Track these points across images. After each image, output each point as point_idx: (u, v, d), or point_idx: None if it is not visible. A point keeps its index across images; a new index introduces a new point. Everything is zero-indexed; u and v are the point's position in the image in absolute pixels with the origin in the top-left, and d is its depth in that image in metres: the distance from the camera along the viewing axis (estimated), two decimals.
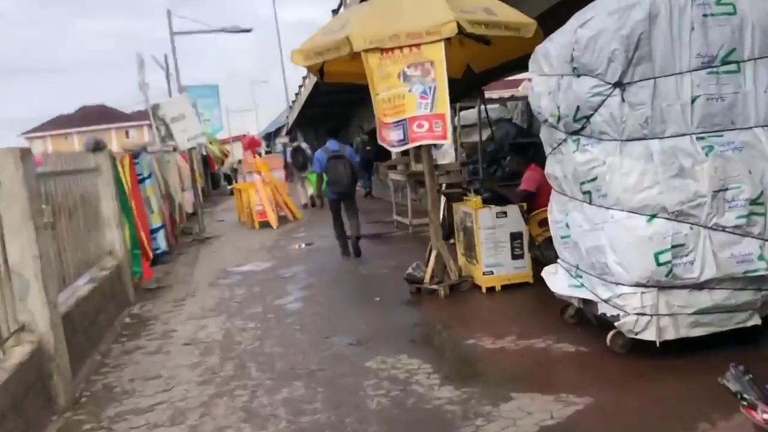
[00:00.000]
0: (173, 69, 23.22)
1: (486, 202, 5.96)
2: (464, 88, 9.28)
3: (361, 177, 14.40)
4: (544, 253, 5.57)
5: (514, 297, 5.60)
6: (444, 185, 8.45)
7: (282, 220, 12.40)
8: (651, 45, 3.55)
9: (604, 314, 3.84)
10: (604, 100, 3.65)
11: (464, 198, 6.36)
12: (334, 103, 28.83)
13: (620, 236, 3.68)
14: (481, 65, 6.88)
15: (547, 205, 4.56)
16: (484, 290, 5.81)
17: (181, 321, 5.97)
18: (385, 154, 12.71)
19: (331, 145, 8.31)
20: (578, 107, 3.76)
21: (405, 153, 9.83)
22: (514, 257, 5.77)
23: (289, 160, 15.88)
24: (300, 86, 31.39)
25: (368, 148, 16.04)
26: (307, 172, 14.86)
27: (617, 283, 3.71)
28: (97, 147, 6.57)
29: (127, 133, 64.27)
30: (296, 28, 60.44)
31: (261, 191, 12.02)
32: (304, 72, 31.50)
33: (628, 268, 3.64)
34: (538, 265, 5.27)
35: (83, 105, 68.24)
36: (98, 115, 65.53)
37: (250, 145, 13.78)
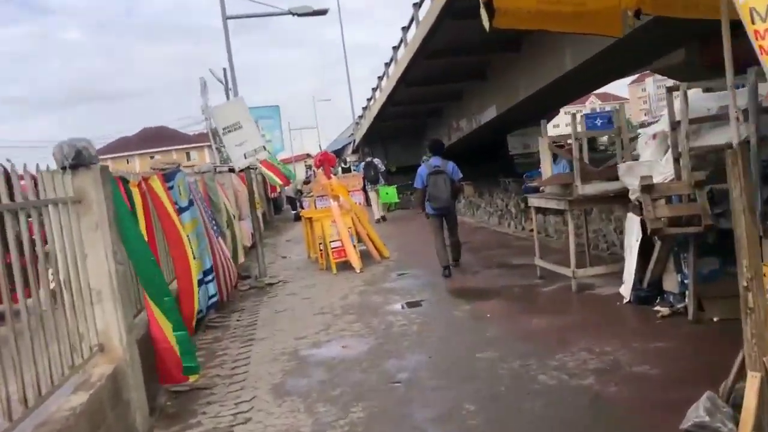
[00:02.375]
0: (231, 83, 21.07)
1: None
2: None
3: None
4: None
5: None
6: (662, 220, 5.11)
7: (363, 256, 9.36)
8: None
9: None
10: None
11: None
12: (407, 115, 25.87)
13: None
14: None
15: None
16: None
17: None
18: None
19: (434, 160, 8.35)
20: None
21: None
22: None
23: (361, 173, 16.50)
24: (369, 99, 28.71)
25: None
26: (378, 186, 16.44)
27: None
28: (79, 159, 3.67)
29: (188, 155, 63.50)
30: (359, 49, 58.49)
31: (339, 222, 9.04)
32: (369, 93, 28.90)
33: None
34: None
35: (144, 127, 68.04)
36: (158, 136, 65.18)
37: (323, 162, 10.93)
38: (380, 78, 24.63)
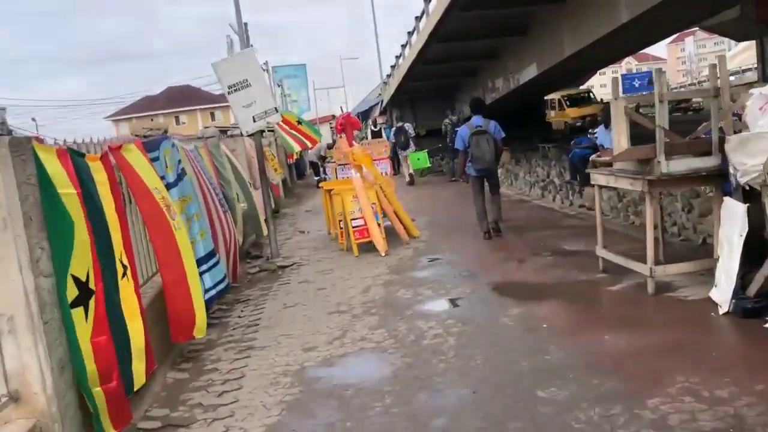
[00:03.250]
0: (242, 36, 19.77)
1: None
2: None
3: (450, 159, 15.48)
4: None
5: None
6: None
7: (389, 234, 8.17)
8: None
9: None
10: None
11: None
12: (438, 75, 24.28)
13: None
14: None
15: None
16: None
17: None
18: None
19: (475, 120, 8.00)
20: None
21: (640, 140, 5.28)
22: None
23: (392, 139, 16.26)
24: (397, 57, 27.12)
25: (457, 129, 14.22)
26: (408, 151, 16.13)
27: None
28: None
29: (212, 115, 62.58)
30: (387, 10, 56.48)
31: (362, 198, 7.82)
32: (398, 49, 27.19)
33: None
34: None
35: (168, 86, 67.03)
36: (183, 96, 64.18)
37: (346, 125, 9.63)
38: (410, 33, 23.02)
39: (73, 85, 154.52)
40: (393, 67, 29.44)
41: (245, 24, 21.69)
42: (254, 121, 7.99)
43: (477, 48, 19.51)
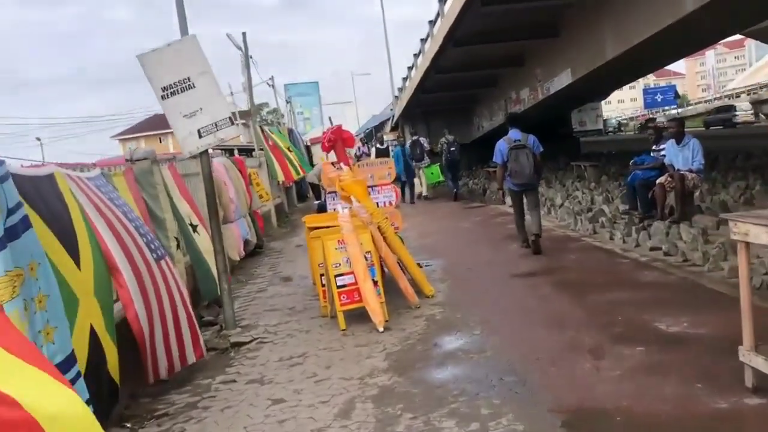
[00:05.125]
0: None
1: None
2: None
3: (447, 178, 16.17)
4: None
5: None
6: None
7: (390, 290, 5.75)
8: None
9: None
10: None
11: None
12: (454, 85, 21.88)
13: None
14: None
15: None
16: None
17: None
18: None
19: (513, 134, 7.77)
20: None
21: None
22: None
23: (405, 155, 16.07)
24: (410, 68, 24.87)
25: (452, 149, 15.70)
26: (422, 163, 16.47)
27: None
28: None
29: None
30: (399, 26, 54.57)
31: (352, 245, 5.38)
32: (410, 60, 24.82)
33: None
34: None
35: None
36: None
37: (334, 141, 7.17)
38: (423, 40, 20.74)
39: (92, 103, 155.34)
40: (405, 79, 27.18)
41: (243, 33, 19.70)
42: (200, 136, 5.63)
43: (498, 53, 17.15)
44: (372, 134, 38.36)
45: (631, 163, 9.10)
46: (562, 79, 15.06)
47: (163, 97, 5.54)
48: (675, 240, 7.00)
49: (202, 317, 6.41)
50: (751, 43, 62.90)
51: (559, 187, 14.25)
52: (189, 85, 5.55)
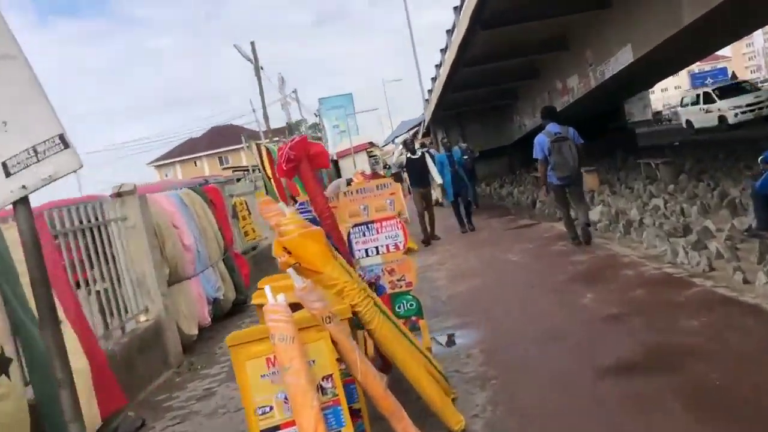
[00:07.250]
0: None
1: None
2: None
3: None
4: None
5: None
6: None
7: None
8: None
9: None
10: None
11: None
12: (487, 79, 18.99)
13: None
14: None
15: None
16: None
17: None
18: None
19: (552, 127, 7.56)
20: None
21: None
22: None
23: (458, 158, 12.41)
24: (437, 66, 22.17)
25: (465, 157, 13.27)
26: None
27: None
28: None
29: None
30: (427, 31, 52.61)
31: (291, 373, 2.70)
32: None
33: None
34: None
35: (212, 126, 64.17)
36: (226, 136, 60.77)
37: (297, 160, 4.47)
38: (449, 32, 18.00)
39: (134, 132, 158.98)
40: (434, 79, 24.49)
41: (252, 43, 17.44)
42: (8, 173, 3.06)
43: (537, 35, 14.28)
44: (408, 142, 35.59)
45: (759, 161, 6.18)
46: (622, 58, 12.08)
47: None
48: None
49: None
50: None
51: (627, 194, 11.28)
52: None
